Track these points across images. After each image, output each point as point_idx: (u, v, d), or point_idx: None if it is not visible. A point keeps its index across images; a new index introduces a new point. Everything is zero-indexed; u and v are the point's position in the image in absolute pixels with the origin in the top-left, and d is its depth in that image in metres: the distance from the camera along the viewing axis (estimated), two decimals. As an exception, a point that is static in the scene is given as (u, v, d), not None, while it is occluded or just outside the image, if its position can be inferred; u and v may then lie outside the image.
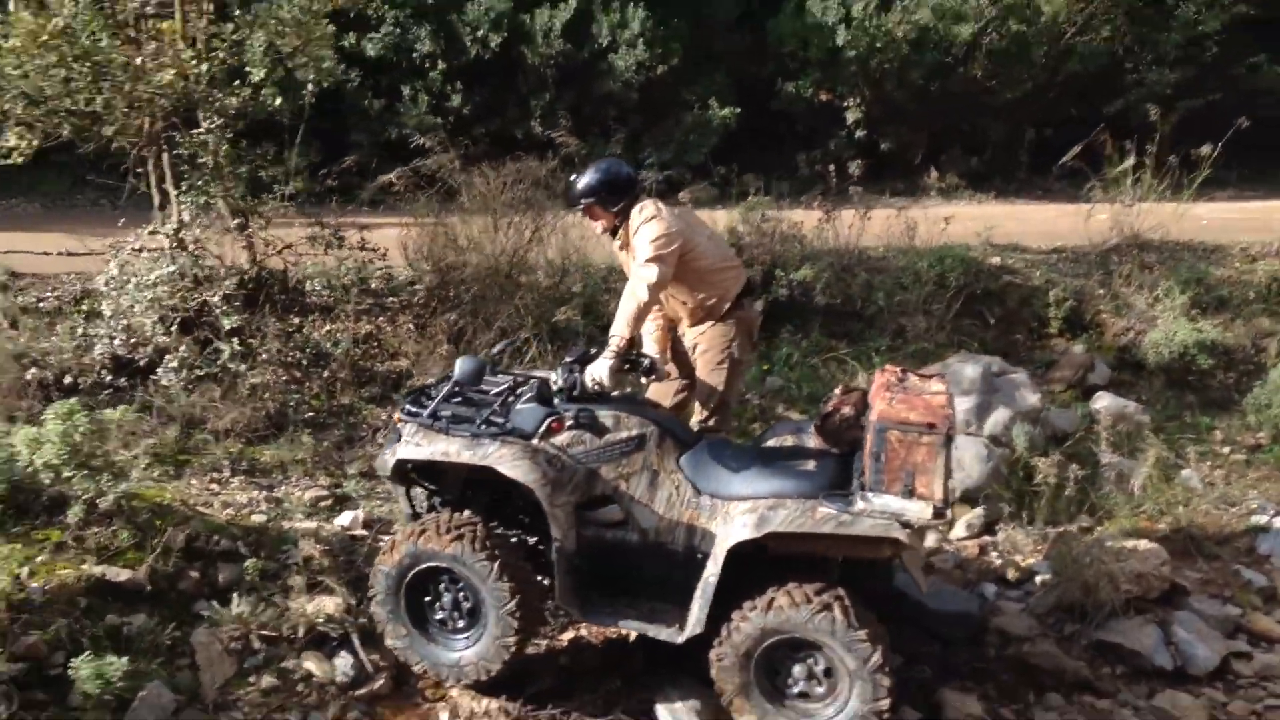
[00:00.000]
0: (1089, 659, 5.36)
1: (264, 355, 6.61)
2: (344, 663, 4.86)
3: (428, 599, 4.72)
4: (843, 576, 4.49)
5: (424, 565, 4.59)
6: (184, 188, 6.93)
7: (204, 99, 6.34)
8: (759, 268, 7.82)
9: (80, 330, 6.63)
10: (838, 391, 4.83)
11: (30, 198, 11.03)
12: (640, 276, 4.90)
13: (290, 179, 7.27)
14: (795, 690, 4.39)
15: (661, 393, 5.51)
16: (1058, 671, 5.22)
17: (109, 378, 6.46)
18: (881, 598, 4.74)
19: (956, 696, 5.01)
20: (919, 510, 4.09)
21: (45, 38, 5.64)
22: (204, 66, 6.27)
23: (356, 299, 7.19)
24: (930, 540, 6.41)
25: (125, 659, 4.34)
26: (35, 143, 6.41)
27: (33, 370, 6.33)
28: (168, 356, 6.50)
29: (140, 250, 6.80)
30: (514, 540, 4.79)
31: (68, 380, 6.35)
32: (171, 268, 6.69)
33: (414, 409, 4.71)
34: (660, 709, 4.71)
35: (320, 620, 4.95)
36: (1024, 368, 8.11)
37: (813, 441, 4.76)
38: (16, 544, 4.87)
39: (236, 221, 7.09)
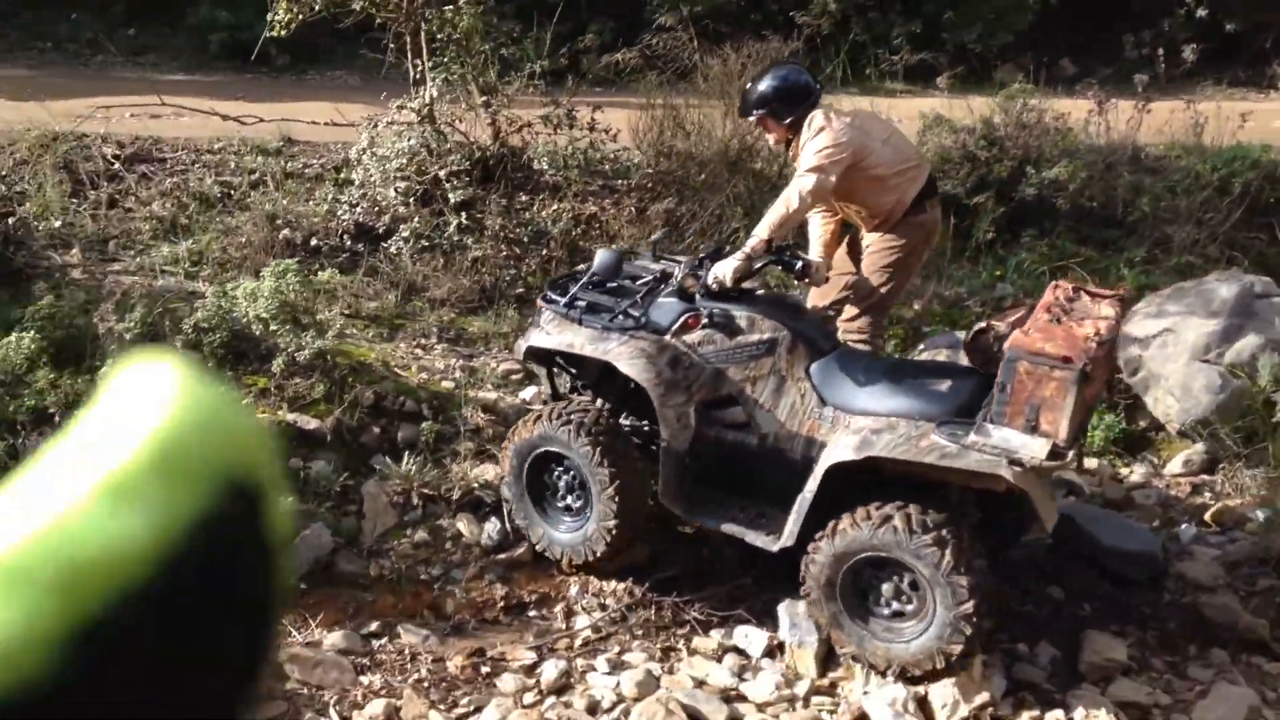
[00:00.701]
0: (1275, 620, 4.80)
1: (488, 230, 6.90)
2: (492, 528, 5.16)
3: (547, 480, 4.88)
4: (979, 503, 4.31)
5: (542, 448, 4.74)
6: (433, 64, 7.26)
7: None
8: (1009, 163, 7.26)
9: (331, 196, 7.19)
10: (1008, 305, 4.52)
11: (351, 69, 11.87)
12: (797, 184, 4.72)
13: (535, 58, 7.45)
14: (888, 611, 4.27)
15: (823, 295, 5.31)
16: (1230, 626, 4.71)
17: (349, 242, 6.99)
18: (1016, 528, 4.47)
19: (1101, 638, 4.66)
20: (1036, 448, 3.81)
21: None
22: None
23: (583, 179, 7.35)
24: (1137, 474, 5.89)
25: (293, 498, 4.81)
26: (300, 16, 6.86)
27: (285, 231, 6.96)
28: (402, 226, 6.93)
29: (391, 123, 7.24)
30: (627, 429, 4.85)
31: (314, 242, 6.94)
32: (414, 141, 7.09)
33: (553, 296, 4.81)
34: (782, 610, 4.69)
35: (477, 486, 5.25)
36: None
37: (964, 359, 4.50)
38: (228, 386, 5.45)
39: (483, 99, 7.36)
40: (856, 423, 4.30)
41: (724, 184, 6.85)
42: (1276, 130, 7.96)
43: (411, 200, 7.10)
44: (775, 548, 4.39)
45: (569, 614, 4.95)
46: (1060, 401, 3.80)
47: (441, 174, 6.90)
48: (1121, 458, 6.03)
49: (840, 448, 4.18)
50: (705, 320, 4.59)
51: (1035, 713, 4.31)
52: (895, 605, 4.27)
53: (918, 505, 4.08)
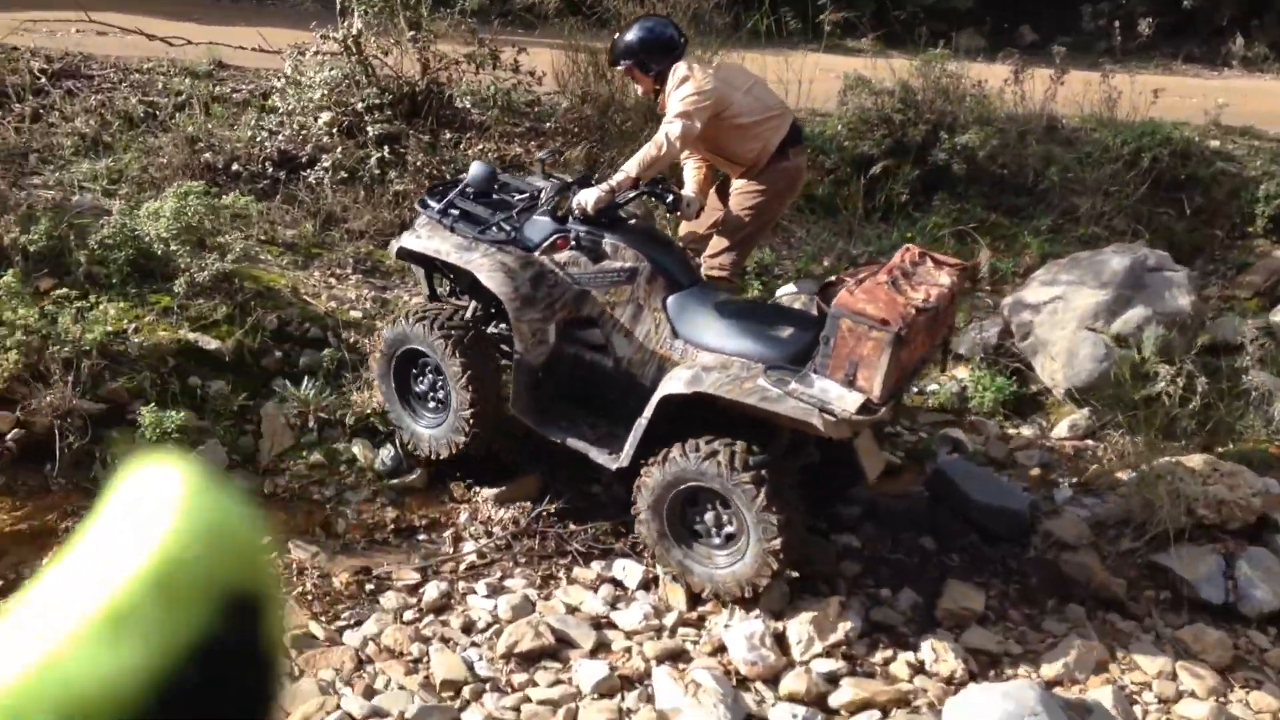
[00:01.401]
0: (1134, 580, 5.06)
1: (410, 165, 6.96)
2: (386, 453, 5.29)
3: (412, 379, 5.16)
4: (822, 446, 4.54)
5: (405, 346, 5.02)
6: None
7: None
8: (923, 127, 7.42)
9: (255, 122, 7.20)
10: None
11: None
12: (665, 128, 4.89)
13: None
14: (708, 538, 4.59)
15: (691, 230, 5.59)
16: (1086, 584, 4.96)
17: (271, 169, 7.03)
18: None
19: (961, 588, 4.91)
20: (849, 402, 4.07)
21: None
22: None
23: (508, 120, 7.43)
24: (1024, 435, 6.13)
25: (183, 414, 4.92)
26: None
27: (207, 154, 6.98)
28: (324, 156, 6.97)
29: (316, 53, 7.25)
30: (492, 334, 5.08)
31: (235, 167, 6.96)
32: (335, 72, 7.12)
33: (429, 201, 5.00)
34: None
35: (369, 412, 5.36)
36: (1211, 268, 7.42)
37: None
38: (131, 303, 5.52)
39: (410, 34, 7.38)
40: (702, 358, 4.53)
41: (640, 131, 6.96)
42: (1193, 106, 8.15)
43: (335, 131, 7.13)
44: (614, 466, 4.67)
45: (457, 539, 5.11)
46: (876, 360, 4.05)
47: (360, 107, 6.93)
48: (1010, 419, 6.25)
49: (673, 380, 4.43)
50: (573, 242, 4.78)
51: (889, 653, 4.55)
52: (714, 533, 4.57)
53: (742, 443, 4.33)
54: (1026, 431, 6.19)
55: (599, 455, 4.76)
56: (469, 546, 5.05)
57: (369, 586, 4.79)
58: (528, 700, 4.17)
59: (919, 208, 7.47)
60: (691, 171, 5.51)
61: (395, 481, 5.24)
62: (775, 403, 4.19)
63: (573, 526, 5.12)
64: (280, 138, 7.09)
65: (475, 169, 4.96)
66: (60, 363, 4.91)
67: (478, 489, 5.27)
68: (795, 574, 4.71)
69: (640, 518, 4.67)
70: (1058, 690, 4.39)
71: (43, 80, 7.58)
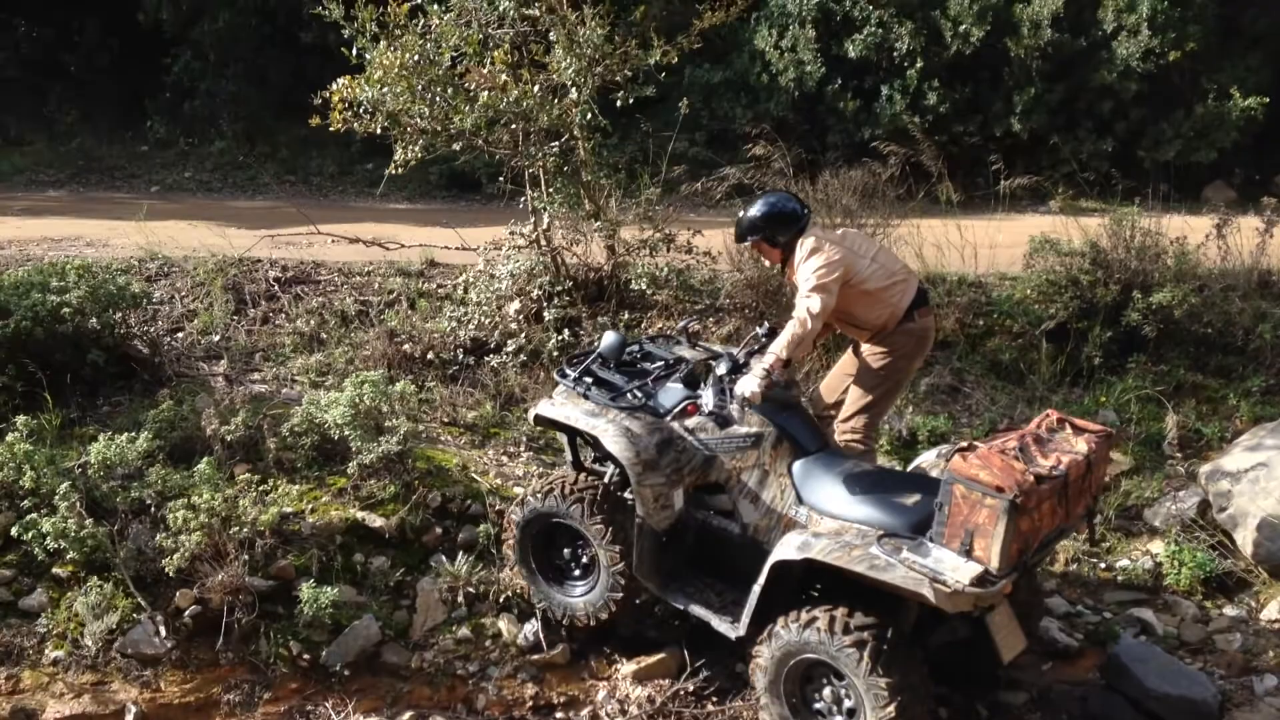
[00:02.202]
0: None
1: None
2: (530, 629, 5.37)
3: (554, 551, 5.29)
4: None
5: (541, 523, 5.17)
6: (546, 193, 7.75)
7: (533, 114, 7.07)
8: (1113, 287, 7.05)
9: (450, 314, 7.73)
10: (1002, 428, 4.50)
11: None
12: (803, 305, 4.92)
13: (645, 185, 7.85)
14: (819, 708, 4.42)
15: (829, 392, 5.55)
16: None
17: (461, 356, 7.48)
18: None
19: (1129, 781, 4.39)
20: (962, 572, 3.86)
21: (398, 70, 6.69)
22: (521, 89, 6.97)
23: (687, 297, 7.63)
24: (1231, 613, 5.52)
25: (337, 590, 5.20)
26: (416, 156, 7.43)
27: (406, 345, 7.53)
28: (509, 341, 7.37)
29: (509, 247, 7.77)
30: (630, 501, 5.02)
31: (429, 356, 7.47)
32: (523, 264, 7.59)
33: (566, 370, 5.17)
34: None
35: (516, 588, 5.49)
36: None
37: None
38: (311, 486, 5.96)
39: (597, 225, 7.78)
40: (825, 524, 4.40)
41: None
42: None
43: (521, 318, 7.55)
44: (734, 635, 4.56)
45: (594, 718, 5.07)
46: (992, 529, 3.82)
47: (536, 294, 7.32)
48: (1213, 598, 5.67)
49: (785, 546, 4.32)
50: (701, 409, 4.83)
51: None
52: (835, 711, 4.34)
53: (844, 608, 4.18)
54: (1231, 612, 5.58)
55: (720, 623, 4.68)
56: (605, 725, 5.00)
57: (501, 763, 4.81)
58: None
59: (1114, 371, 7.03)
60: None
61: (537, 657, 5.29)
62: (885, 571, 4.01)
63: (709, 708, 4.99)
64: (471, 326, 7.54)
65: (607, 337, 5.13)
66: (237, 543, 5.32)
67: (618, 665, 5.25)
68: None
69: (760, 703, 4.53)
70: None
71: (276, 287, 8.43)
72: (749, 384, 4.75)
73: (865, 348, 5.28)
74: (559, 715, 5.13)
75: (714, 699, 5.02)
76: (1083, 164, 13.04)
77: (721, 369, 4.93)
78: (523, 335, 7.40)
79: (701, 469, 4.85)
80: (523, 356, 7.27)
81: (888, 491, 4.39)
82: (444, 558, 5.66)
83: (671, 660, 5.20)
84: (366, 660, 5.26)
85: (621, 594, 4.99)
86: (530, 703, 5.15)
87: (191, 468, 5.71)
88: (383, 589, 5.54)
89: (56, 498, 5.32)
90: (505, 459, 6.59)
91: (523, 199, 7.74)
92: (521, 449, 6.72)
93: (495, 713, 5.12)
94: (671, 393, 4.95)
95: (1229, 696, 4.90)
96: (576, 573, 5.23)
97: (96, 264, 7.90)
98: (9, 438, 5.60)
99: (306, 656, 5.20)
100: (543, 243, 7.69)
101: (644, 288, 7.52)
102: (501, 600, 5.51)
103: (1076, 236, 7.41)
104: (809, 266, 4.98)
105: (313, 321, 7.96)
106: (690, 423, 4.86)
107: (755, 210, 5.29)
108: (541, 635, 5.33)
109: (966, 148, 13.15)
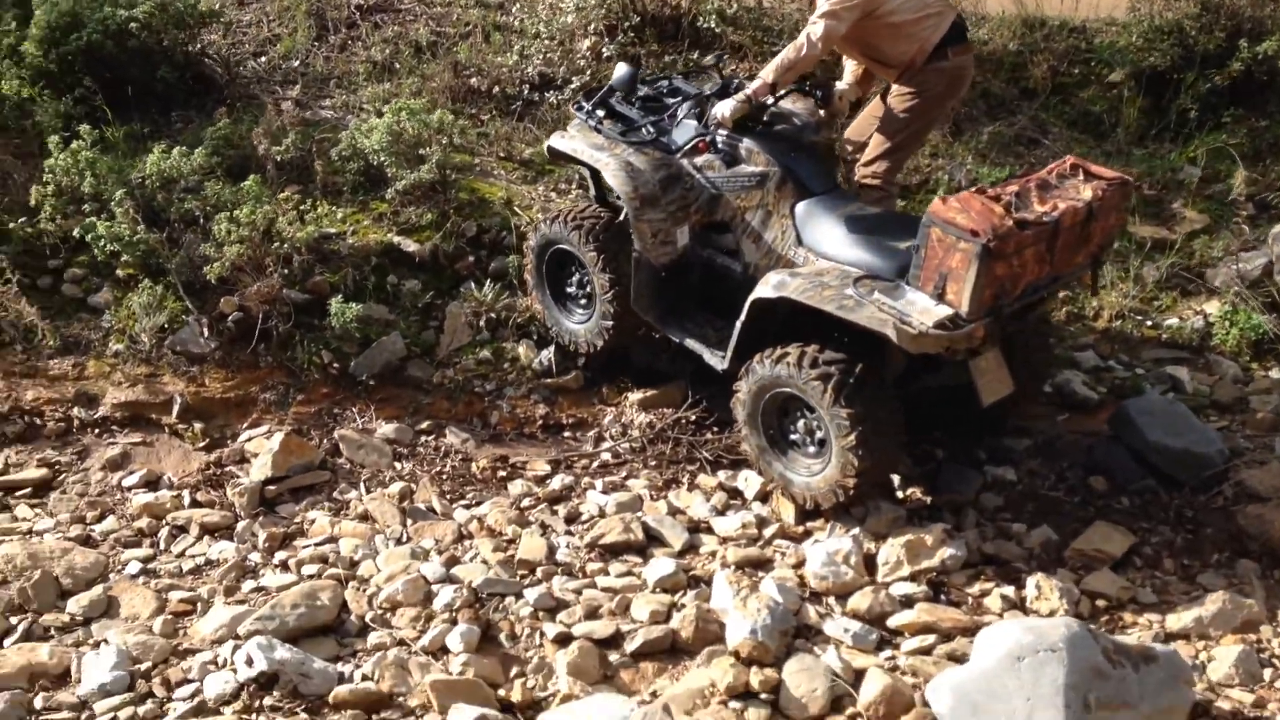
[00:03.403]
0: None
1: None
2: (546, 355, 5.56)
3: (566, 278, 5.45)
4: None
5: (552, 248, 5.30)
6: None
7: None
8: (1219, 34, 6.50)
9: (519, 48, 7.64)
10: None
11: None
12: (808, 29, 4.69)
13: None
14: (802, 446, 4.52)
15: (857, 133, 5.33)
16: (1260, 538, 4.30)
17: (527, 92, 7.44)
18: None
19: (1104, 530, 4.45)
20: (930, 315, 3.84)
21: None
22: None
23: (764, 38, 7.38)
24: (1276, 374, 5.32)
25: (362, 306, 5.46)
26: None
27: (475, 78, 7.52)
28: (576, 77, 7.29)
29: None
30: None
31: (495, 89, 7.45)
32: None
33: (582, 103, 5.15)
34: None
35: (535, 315, 5.65)
36: None
37: None
38: (355, 209, 6.15)
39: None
40: (819, 265, 4.37)
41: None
42: None
43: (591, 55, 7.42)
44: (720, 368, 4.69)
45: (599, 440, 5.28)
46: (964, 273, 3.73)
47: (596, 29, 7.17)
48: (1263, 361, 5.45)
49: (764, 285, 4.31)
50: (713, 146, 4.75)
51: (989, 585, 4.22)
52: (808, 441, 4.47)
53: (815, 345, 4.22)
54: (1276, 375, 5.36)
55: (711, 357, 4.79)
56: (606, 446, 5.20)
57: (502, 473, 5.08)
58: (591, 586, 4.28)
59: (1210, 126, 6.56)
60: (850, 66, 5.25)
61: (550, 381, 5.48)
62: (853, 310, 4.01)
63: (709, 436, 5.12)
64: (538, 60, 7.46)
65: (619, 70, 5.05)
66: (275, 257, 5.58)
67: (627, 394, 5.41)
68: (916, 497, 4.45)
69: (742, 434, 4.65)
70: (1179, 644, 3.88)
71: (357, 15, 8.44)
72: (724, 106, 4.67)
73: (893, 89, 5.03)
74: (566, 434, 5.33)
75: (713, 429, 5.13)
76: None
77: (709, 89, 4.88)
78: (588, 73, 7.29)
79: (707, 207, 4.83)
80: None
81: (883, 235, 4.31)
82: (473, 284, 5.82)
83: (676, 392, 5.32)
84: (392, 373, 5.54)
85: (614, 323, 5.13)
86: (540, 421, 5.37)
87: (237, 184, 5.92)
88: (412, 309, 5.76)
89: (113, 204, 5.62)
90: (554, 195, 6.63)
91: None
92: (573, 186, 6.73)
93: (507, 428, 5.36)
94: (685, 129, 4.87)
95: (1241, 453, 4.77)
96: (582, 300, 5.35)
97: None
98: (73, 145, 5.88)
99: (337, 365, 5.50)
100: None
101: (714, 25, 7.27)
102: (522, 327, 5.66)
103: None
104: None
105: (387, 50, 7.97)
106: (699, 160, 4.81)
107: None
108: (555, 361, 5.50)
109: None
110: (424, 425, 5.36)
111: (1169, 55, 6.64)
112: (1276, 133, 6.44)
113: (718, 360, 4.72)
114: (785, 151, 4.68)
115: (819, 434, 4.40)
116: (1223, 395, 5.25)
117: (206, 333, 5.55)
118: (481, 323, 5.67)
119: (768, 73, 4.70)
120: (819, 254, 4.43)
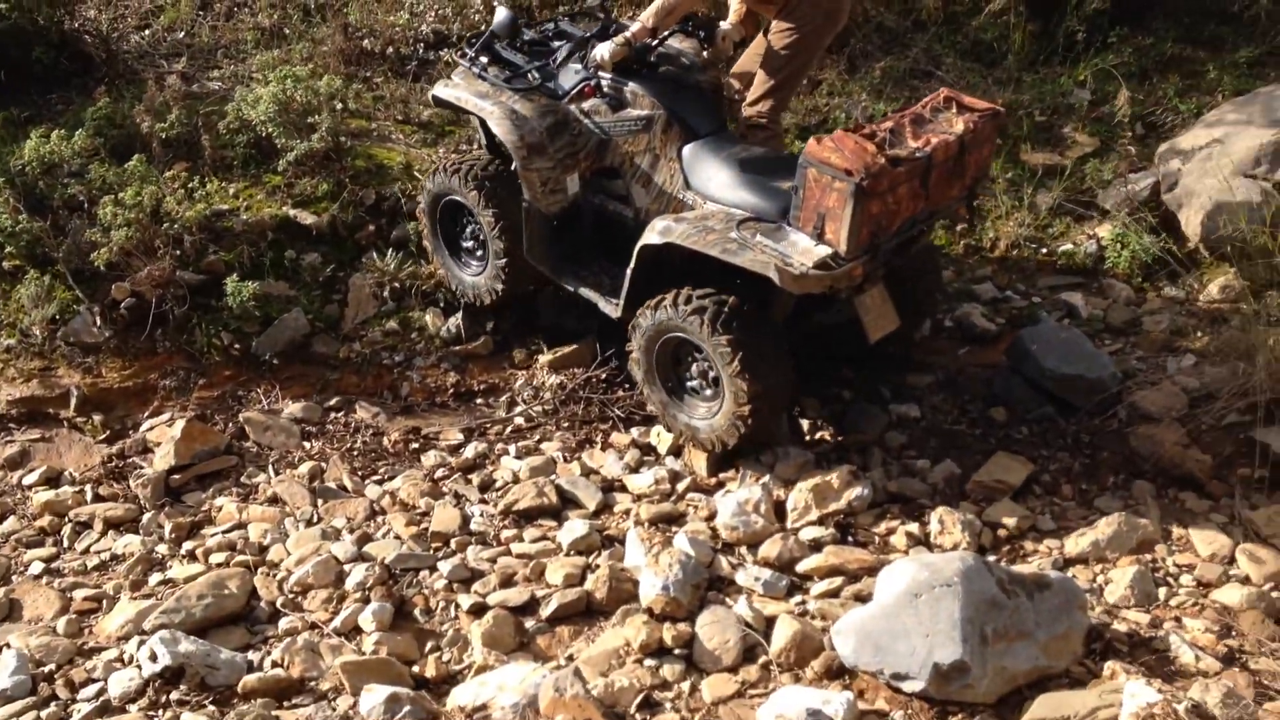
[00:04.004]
0: (1228, 457, 4.43)
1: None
2: (454, 322, 5.50)
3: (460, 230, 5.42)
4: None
5: (446, 198, 5.27)
6: None
7: None
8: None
9: (411, 4, 7.48)
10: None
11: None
12: None
13: None
14: (692, 386, 4.58)
15: (740, 72, 5.31)
16: (1152, 459, 4.39)
17: (421, 52, 7.30)
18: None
19: (1004, 460, 4.53)
20: (809, 255, 3.89)
21: None
22: None
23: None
24: (1172, 294, 5.41)
25: (258, 283, 5.34)
26: None
27: (367, 40, 7.35)
28: (472, 33, 7.14)
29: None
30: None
31: (389, 50, 7.29)
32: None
33: (466, 50, 5.08)
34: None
35: (440, 281, 5.57)
36: None
37: None
38: (248, 184, 6.01)
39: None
40: (706, 208, 4.40)
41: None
42: None
43: (481, 8, 7.29)
44: (615, 315, 4.72)
45: (511, 404, 5.25)
46: (840, 212, 3.77)
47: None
48: (1153, 281, 5.54)
49: (650, 230, 4.33)
50: (599, 90, 4.71)
51: (894, 523, 4.27)
52: (701, 383, 4.55)
53: (733, 300, 4.23)
54: (1171, 294, 5.46)
55: (606, 305, 4.81)
56: (519, 410, 5.17)
57: (414, 445, 5.04)
58: (506, 554, 4.27)
59: (1099, 48, 6.60)
60: (734, 4, 5.21)
61: (459, 348, 5.43)
62: (735, 254, 4.04)
63: (620, 393, 5.11)
64: (430, 17, 7.31)
65: (499, 15, 4.96)
66: (166, 238, 5.44)
67: (538, 356, 5.37)
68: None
69: (633, 356, 4.69)
70: (1077, 569, 3.97)
71: (240, -21, 8.20)
72: (604, 49, 4.65)
73: (773, 25, 5.00)
74: (478, 401, 5.29)
75: (624, 385, 5.12)
76: None
77: (590, 33, 4.84)
78: (483, 27, 7.15)
79: (596, 152, 4.82)
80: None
81: (768, 176, 4.31)
82: (375, 254, 5.73)
83: (586, 350, 5.29)
84: (296, 350, 5.44)
85: (507, 270, 5.13)
86: (452, 390, 5.32)
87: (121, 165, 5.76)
88: (314, 284, 5.66)
89: (-8, 193, 5.45)
90: (456, 157, 6.51)
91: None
92: (475, 146, 6.61)
93: (418, 399, 5.31)
94: (570, 73, 4.82)
95: (1133, 375, 4.86)
96: (478, 251, 5.34)
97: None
98: (-54, 134, 5.67)
99: (238, 346, 5.40)
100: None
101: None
102: (428, 294, 5.59)
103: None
104: None
105: (275, 15, 7.76)
106: (586, 105, 4.77)
107: None
108: (464, 327, 5.45)
109: None
110: (333, 402, 5.28)
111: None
112: (1161, 50, 6.52)
113: (612, 309, 4.74)
114: (670, 94, 4.67)
115: (711, 373, 4.44)
116: (1116, 318, 5.34)
117: (99, 321, 5.41)
118: (386, 293, 5.59)
119: (647, 16, 4.68)
120: (706, 196, 4.45)
